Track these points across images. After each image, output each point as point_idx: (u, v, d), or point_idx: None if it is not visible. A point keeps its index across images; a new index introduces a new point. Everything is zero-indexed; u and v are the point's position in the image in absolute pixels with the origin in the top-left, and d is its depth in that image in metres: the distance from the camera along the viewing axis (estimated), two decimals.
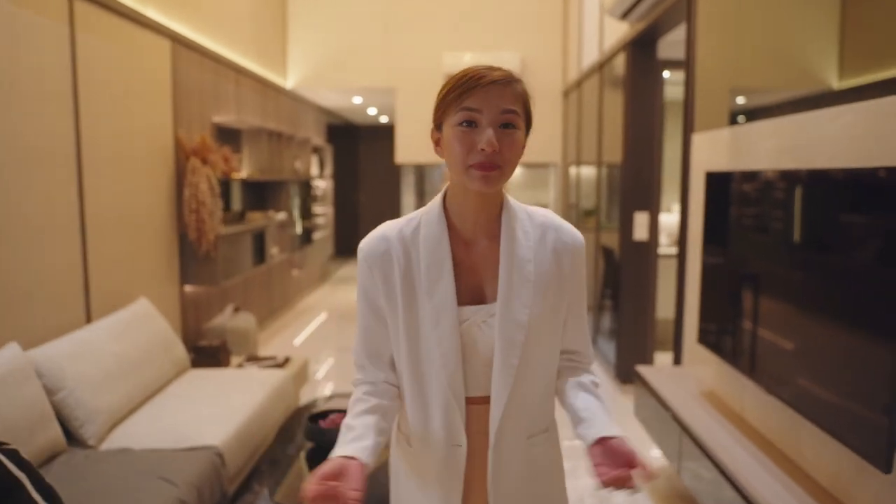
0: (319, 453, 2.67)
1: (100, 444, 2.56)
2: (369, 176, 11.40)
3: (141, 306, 3.35)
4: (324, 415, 2.73)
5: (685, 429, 2.54)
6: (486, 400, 1.20)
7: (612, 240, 4.89)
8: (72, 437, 2.54)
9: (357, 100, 8.09)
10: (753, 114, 5.06)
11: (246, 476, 2.93)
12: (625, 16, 4.12)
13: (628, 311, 4.55)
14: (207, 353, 3.83)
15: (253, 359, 4.08)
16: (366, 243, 1.23)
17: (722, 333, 2.69)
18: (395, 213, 8.69)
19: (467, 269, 1.21)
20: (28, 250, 2.74)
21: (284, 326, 6.34)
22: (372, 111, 9.33)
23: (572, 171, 6.55)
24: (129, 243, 3.59)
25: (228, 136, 5.14)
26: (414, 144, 6.88)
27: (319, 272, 8.58)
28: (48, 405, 2.43)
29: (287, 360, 4.07)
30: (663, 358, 4.63)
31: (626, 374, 4.49)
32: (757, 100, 5.07)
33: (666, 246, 5.32)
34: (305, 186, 7.29)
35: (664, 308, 4.63)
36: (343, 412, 2.75)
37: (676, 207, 6.67)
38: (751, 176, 2.42)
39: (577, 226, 6.15)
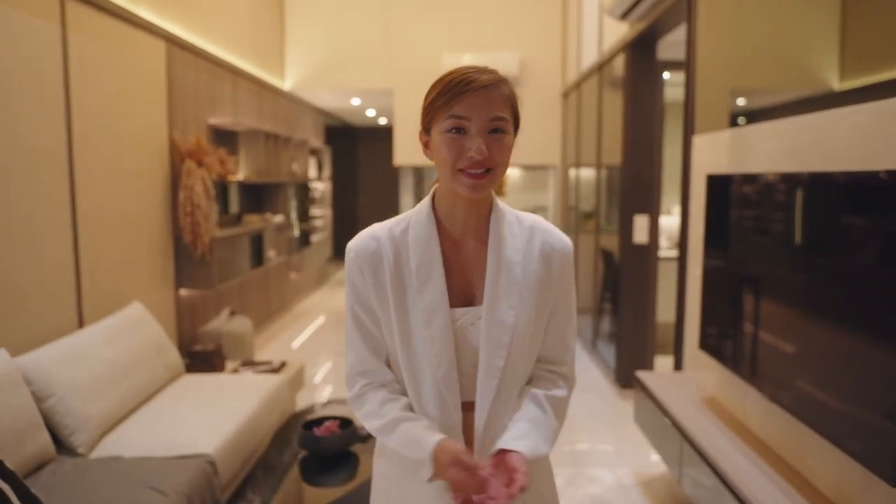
0: (313, 462, 2.63)
1: (90, 453, 2.52)
2: (368, 178, 11.36)
3: (134, 310, 3.31)
4: (318, 422, 2.69)
5: (686, 436, 2.50)
6: (472, 406, 1.20)
7: (611, 242, 4.85)
8: (62, 446, 2.50)
9: (355, 101, 8.05)
10: (754, 115, 5.01)
11: (239, 484, 2.88)
12: (624, 16, 4.08)
13: (628, 314, 4.51)
14: (202, 357, 3.78)
15: (248, 363, 4.03)
16: (355, 243, 1.22)
17: (723, 339, 2.65)
18: (393, 215, 8.61)
19: (457, 271, 1.21)
20: (17, 253, 2.69)
21: (282, 330, 6.30)
22: (370, 113, 9.30)
23: (571, 173, 6.51)
24: (123, 246, 3.55)
25: (225, 138, 5.10)
26: (412, 146, 6.84)
27: (317, 275, 8.54)
28: (37, 413, 2.38)
29: (283, 365, 4.03)
30: (664, 362, 4.59)
31: (625, 378, 4.45)
32: (757, 101, 5.03)
33: (666, 249, 5.28)
34: (303, 189, 7.25)
35: (664, 312, 4.59)
36: (338, 419, 2.72)
37: (677, 210, 6.63)
38: (753, 179, 2.38)
39: (577, 228, 6.16)
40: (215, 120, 4.79)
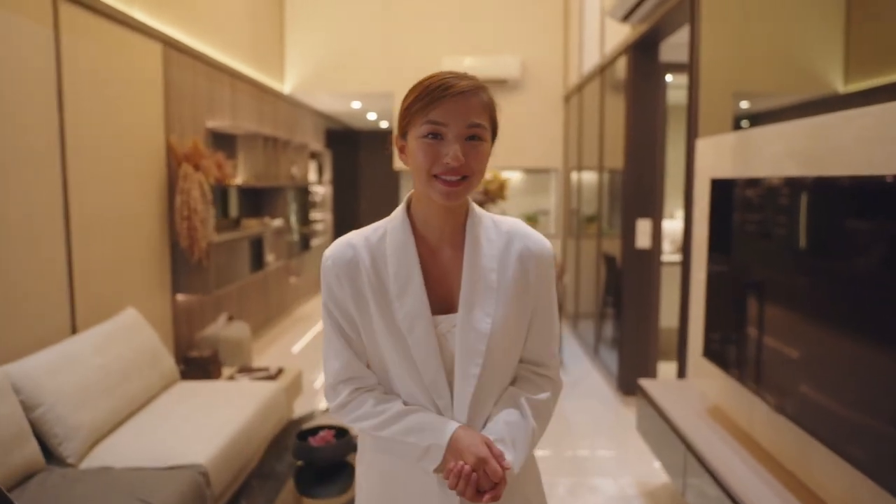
0: (309, 472, 2.57)
1: (80, 463, 2.46)
2: (369, 182, 11.31)
3: (128, 316, 3.25)
4: (314, 431, 2.63)
5: (689, 446, 2.43)
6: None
7: (614, 247, 4.80)
8: (51, 456, 2.44)
9: (356, 104, 8.01)
10: (757, 118, 4.96)
11: (233, 494, 2.82)
12: (626, 18, 4.03)
13: (630, 320, 4.45)
14: (198, 364, 3.73)
15: (245, 370, 3.98)
16: (331, 251, 1.21)
17: (728, 347, 2.59)
18: None
19: (435, 278, 1.20)
20: (8, 258, 2.64)
21: (281, 334, 6.25)
22: (371, 116, 9.25)
23: (573, 176, 6.45)
24: (118, 251, 3.50)
25: (223, 142, 5.05)
26: None
27: (318, 279, 8.47)
28: (25, 422, 2.33)
29: (280, 372, 3.97)
30: (667, 368, 4.53)
31: (628, 385, 4.38)
32: (761, 104, 4.98)
33: (669, 253, 5.22)
34: (303, 192, 7.20)
35: (667, 316, 4.53)
36: (334, 428, 2.66)
37: (680, 214, 6.58)
38: (758, 182, 2.32)
39: (579, 232, 6.11)
40: (213, 123, 4.74)
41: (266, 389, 3.32)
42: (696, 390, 2.95)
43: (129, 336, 3.13)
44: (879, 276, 1.67)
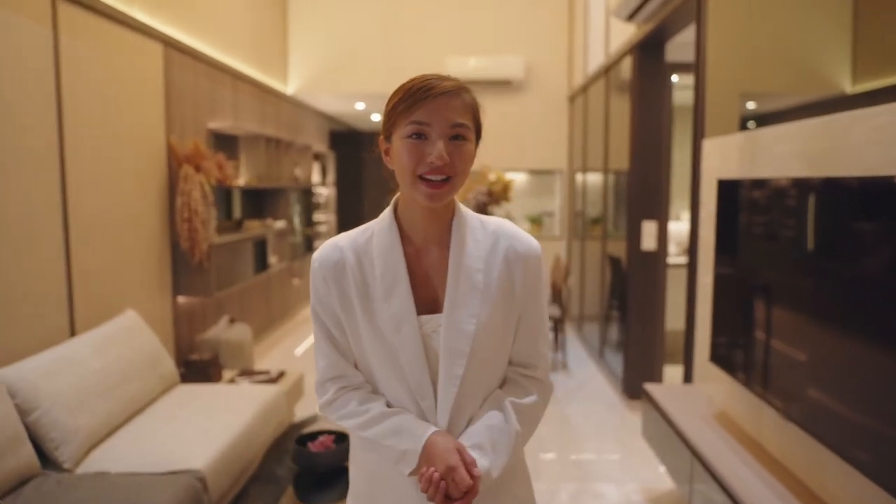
0: (308, 478, 2.53)
1: (76, 467, 2.43)
2: (373, 183, 11.29)
3: (128, 319, 3.22)
4: (313, 436, 2.59)
5: (696, 452, 2.38)
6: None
7: (619, 249, 4.75)
8: (47, 460, 2.41)
9: (360, 105, 7.98)
10: (764, 119, 4.92)
11: (233, 499, 2.79)
12: (631, 17, 3.98)
13: (636, 323, 4.39)
14: (198, 367, 3.70)
15: (246, 373, 3.94)
16: (319, 253, 1.22)
17: (735, 351, 2.54)
18: None
19: (421, 279, 1.20)
20: (5, 259, 2.62)
21: (284, 337, 6.22)
22: (376, 117, 9.23)
23: (578, 177, 6.41)
24: (118, 253, 3.47)
25: (225, 143, 5.03)
26: None
27: None
28: (20, 426, 2.30)
29: (281, 375, 3.94)
30: (673, 371, 4.47)
31: (633, 388, 4.33)
32: (767, 104, 4.93)
33: (675, 255, 5.17)
34: (307, 194, 7.17)
35: (673, 319, 4.47)
36: (334, 433, 2.62)
37: (686, 215, 6.52)
38: (766, 183, 2.27)
39: (584, 234, 6.06)
40: (215, 124, 4.71)
41: (266, 393, 3.28)
42: (702, 395, 2.90)
43: (129, 338, 3.10)
44: (890, 279, 1.62)
